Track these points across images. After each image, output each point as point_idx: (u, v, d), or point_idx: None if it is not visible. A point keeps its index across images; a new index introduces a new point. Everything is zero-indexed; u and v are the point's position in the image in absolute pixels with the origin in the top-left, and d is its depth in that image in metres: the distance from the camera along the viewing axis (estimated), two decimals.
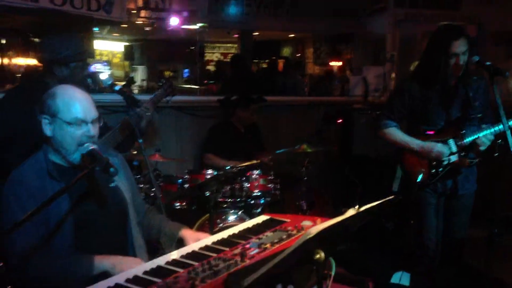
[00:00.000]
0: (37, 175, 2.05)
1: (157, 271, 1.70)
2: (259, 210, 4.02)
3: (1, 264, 1.57)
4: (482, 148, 2.99)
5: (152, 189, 3.69)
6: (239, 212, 3.86)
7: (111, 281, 1.62)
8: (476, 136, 3.01)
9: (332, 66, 12.70)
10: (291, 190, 4.58)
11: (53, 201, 1.78)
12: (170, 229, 2.34)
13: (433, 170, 3.12)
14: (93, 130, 2.08)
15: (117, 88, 3.01)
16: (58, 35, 2.80)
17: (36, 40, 8.95)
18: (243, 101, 4.78)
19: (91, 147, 2.01)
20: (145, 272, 1.68)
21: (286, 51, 14.48)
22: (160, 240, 2.35)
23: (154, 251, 2.42)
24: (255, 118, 4.81)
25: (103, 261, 1.94)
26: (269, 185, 4.14)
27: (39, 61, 2.97)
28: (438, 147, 3.07)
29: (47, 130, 2.06)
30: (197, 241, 2.10)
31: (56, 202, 1.93)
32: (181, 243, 2.24)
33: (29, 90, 2.80)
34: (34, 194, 1.99)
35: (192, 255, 1.86)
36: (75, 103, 2.05)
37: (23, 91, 2.95)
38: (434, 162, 3.11)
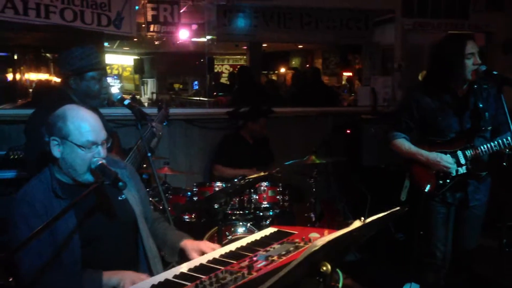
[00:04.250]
0: (43, 194, 2.05)
1: (165, 285, 1.71)
2: (268, 222, 4.02)
3: (11, 279, 1.59)
4: None
5: (161, 202, 3.71)
6: (248, 224, 3.86)
7: None
8: (484, 149, 2.99)
9: (341, 76, 12.71)
10: (300, 202, 4.57)
11: (59, 219, 1.79)
12: (172, 240, 2.34)
13: (441, 181, 3.10)
14: (103, 151, 2.09)
15: (126, 102, 3.04)
16: (76, 50, 2.81)
17: (48, 55, 9.08)
18: (253, 114, 4.80)
19: (100, 162, 2.03)
20: (153, 286, 1.69)
21: (296, 62, 14.51)
22: (163, 251, 2.35)
23: (166, 264, 2.43)
24: (266, 132, 4.82)
25: (111, 278, 1.96)
26: (278, 197, 4.14)
27: (58, 76, 2.98)
28: (445, 158, 3.05)
29: (56, 151, 2.06)
30: (198, 251, 2.12)
31: (62, 220, 1.95)
32: (183, 253, 2.24)
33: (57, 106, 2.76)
34: (40, 213, 2.00)
35: (200, 268, 1.87)
36: (86, 126, 2.06)
37: (51, 107, 2.90)
38: (442, 174, 3.09)
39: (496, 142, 2.95)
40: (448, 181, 3.09)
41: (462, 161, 3.06)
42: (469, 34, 3.07)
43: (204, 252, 2.13)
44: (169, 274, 1.81)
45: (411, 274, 3.28)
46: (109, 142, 2.17)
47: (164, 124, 3.35)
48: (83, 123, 2.06)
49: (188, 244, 2.27)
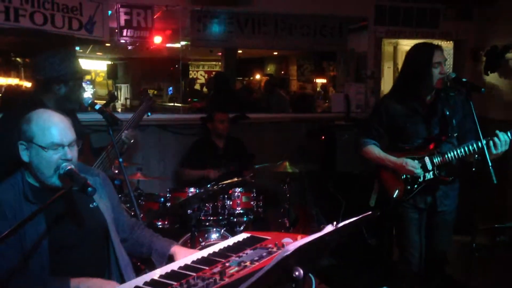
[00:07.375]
0: (13, 198, 2.01)
1: None
2: (241, 228, 4.00)
3: None
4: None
5: (133, 208, 3.66)
6: (222, 230, 3.84)
7: None
8: (451, 155, 3.03)
9: (316, 83, 12.84)
10: (274, 208, 4.57)
11: (27, 223, 1.75)
12: (161, 246, 2.32)
13: (408, 187, 3.14)
14: (70, 153, 2.04)
15: (97, 107, 2.99)
16: (55, 54, 2.78)
17: (18, 59, 8.92)
18: (208, 114, 4.81)
19: (68, 167, 1.99)
20: None
21: (271, 68, 14.60)
22: (152, 257, 2.31)
23: (139, 270, 2.39)
24: (228, 127, 4.79)
25: (79, 285, 1.91)
26: (252, 203, 4.13)
27: (34, 80, 2.90)
28: (410, 162, 3.08)
29: (24, 155, 2.02)
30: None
31: (32, 225, 1.92)
32: (172, 259, 2.21)
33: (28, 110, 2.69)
34: (8, 217, 1.96)
35: (172, 274, 1.84)
36: (50, 127, 2.01)
37: (22, 111, 2.85)
38: (409, 179, 3.13)
39: (462, 149, 2.99)
40: (416, 186, 3.12)
41: (429, 167, 3.09)
42: (436, 44, 3.14)
43: None
44: (139, 281, 1.77)
45: (386, 279, 3.30)
46: (79, 144, 2.13)
47: (148, 115, 3.29)
48: (47, 125, 2.02)
49: (178, 250, 2.25)
